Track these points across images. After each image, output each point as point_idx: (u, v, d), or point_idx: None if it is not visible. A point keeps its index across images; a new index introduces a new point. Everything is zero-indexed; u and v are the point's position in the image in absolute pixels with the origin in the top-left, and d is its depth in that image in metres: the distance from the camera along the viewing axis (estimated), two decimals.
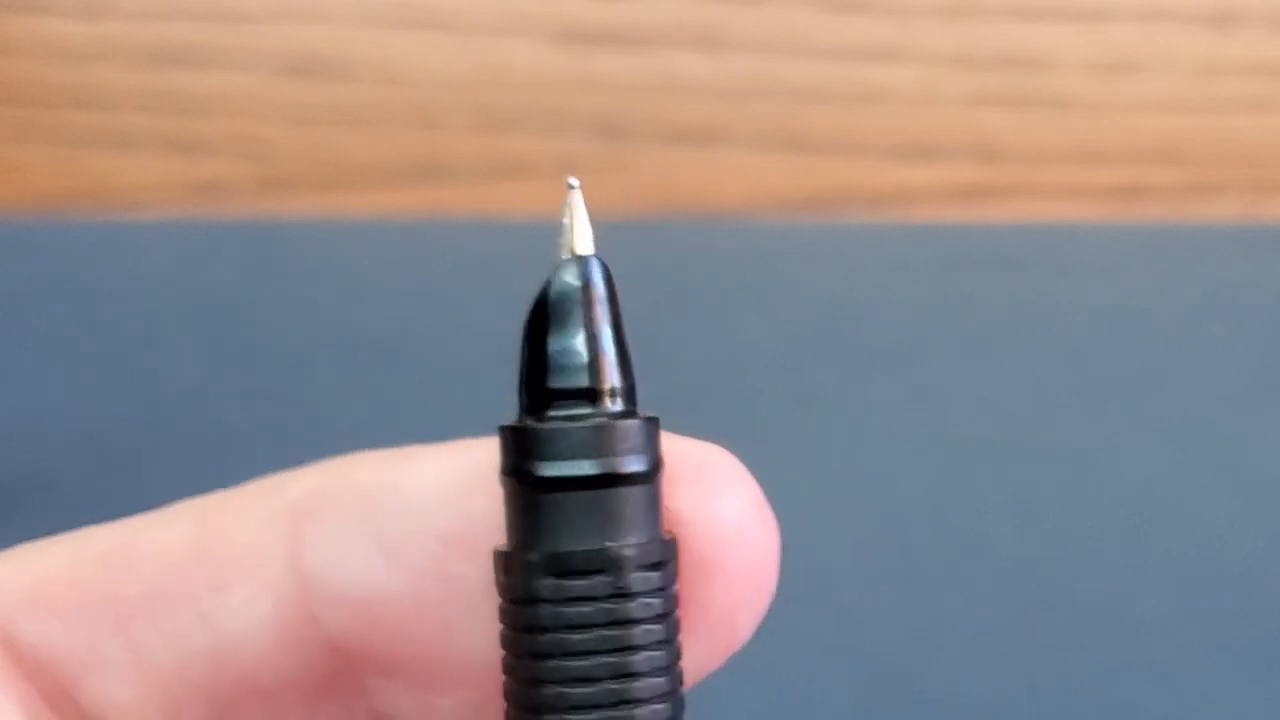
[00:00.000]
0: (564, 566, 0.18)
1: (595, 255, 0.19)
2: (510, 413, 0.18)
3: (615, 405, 0.18)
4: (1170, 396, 0.47)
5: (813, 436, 0.46)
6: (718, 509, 0.19)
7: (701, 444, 0.19)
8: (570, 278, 0.19)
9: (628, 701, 0.18)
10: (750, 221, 0.49)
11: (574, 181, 0.19)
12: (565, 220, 0.20)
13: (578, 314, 0.19)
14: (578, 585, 0.18)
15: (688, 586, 0.19)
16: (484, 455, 0.19)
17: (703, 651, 0.19)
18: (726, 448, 0.19)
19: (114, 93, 0.48)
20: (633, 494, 0.18)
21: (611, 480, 0.18)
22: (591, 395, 0.18)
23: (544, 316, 0.19)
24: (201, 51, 0.48)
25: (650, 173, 0.48)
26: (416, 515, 0.19)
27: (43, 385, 0.46)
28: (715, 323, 0.47)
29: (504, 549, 0.18)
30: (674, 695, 0.18)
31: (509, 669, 0.18)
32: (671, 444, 0.19)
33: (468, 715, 0.20)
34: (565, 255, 0.19)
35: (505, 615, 0.18)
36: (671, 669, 0.18)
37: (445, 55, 0.48)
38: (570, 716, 0.18)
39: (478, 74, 0.48)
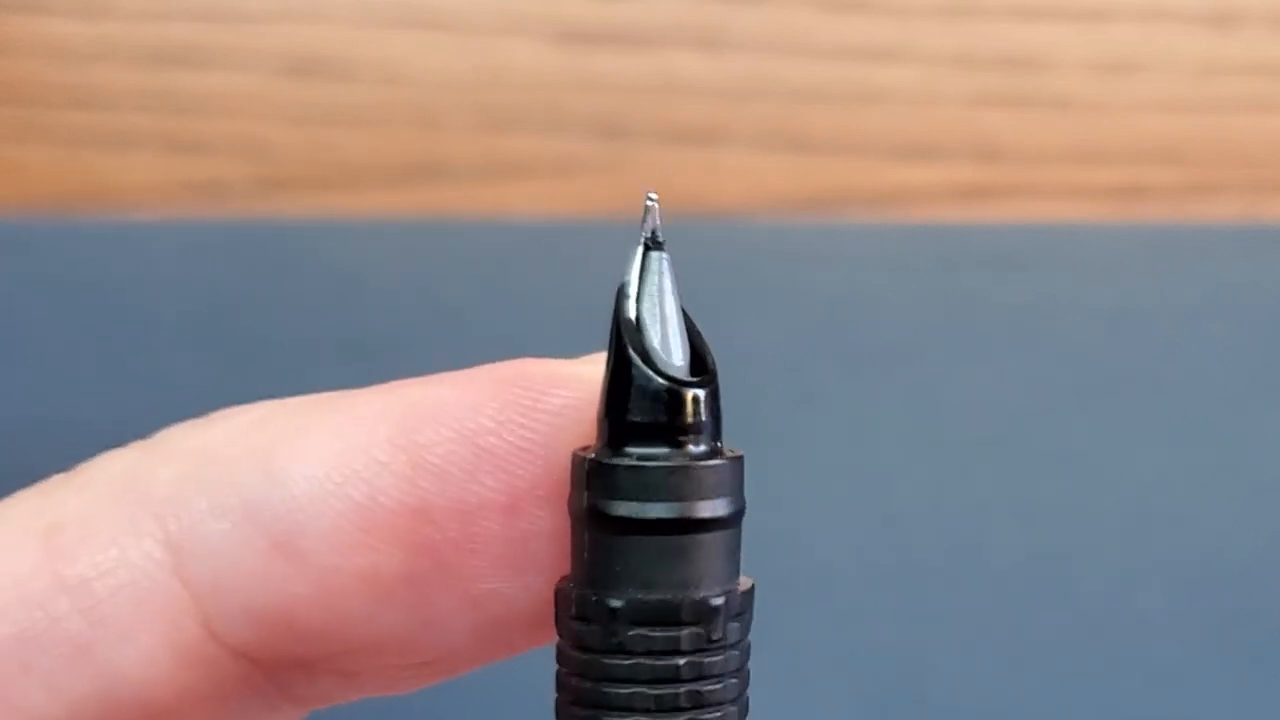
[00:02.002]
0: (639, 615, 0.16)
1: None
2: None
3: (700, 445, 0.17)
4: (1170, 396, 0.47)
5: (813, 436, 0.46)
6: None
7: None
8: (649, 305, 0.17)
9: None
10: (750, 221, 0.49)
11: (653, 195, 0.18)
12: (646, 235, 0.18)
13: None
14: (655, 636, 0.16)
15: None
16: (374, 413, 0.17)
17: None
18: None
19: (114, 93, 0.48)
20: (713, 540, 0.17)
21: (687, 526, 0.16)
22: (676, 431, 0.17)
23: (621, 349, 0.17)
24: (201, 51, 0.48)
25: (650, 173, 0.48)
26: (310, 506, 0.17)
27: (43, 385, 0.46)
28: (715, 323, 0.47)
29: (573, 589, 0.17)
30: None
31: (565, 705, 0.17)
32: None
33: (393, 683, 0.18)
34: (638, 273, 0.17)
35: (568, 659, 0.17)
36: None
37: (445, 55, 0.48)
38: None
39: (478, 74, 0.48)
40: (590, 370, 0.17)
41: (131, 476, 0.17)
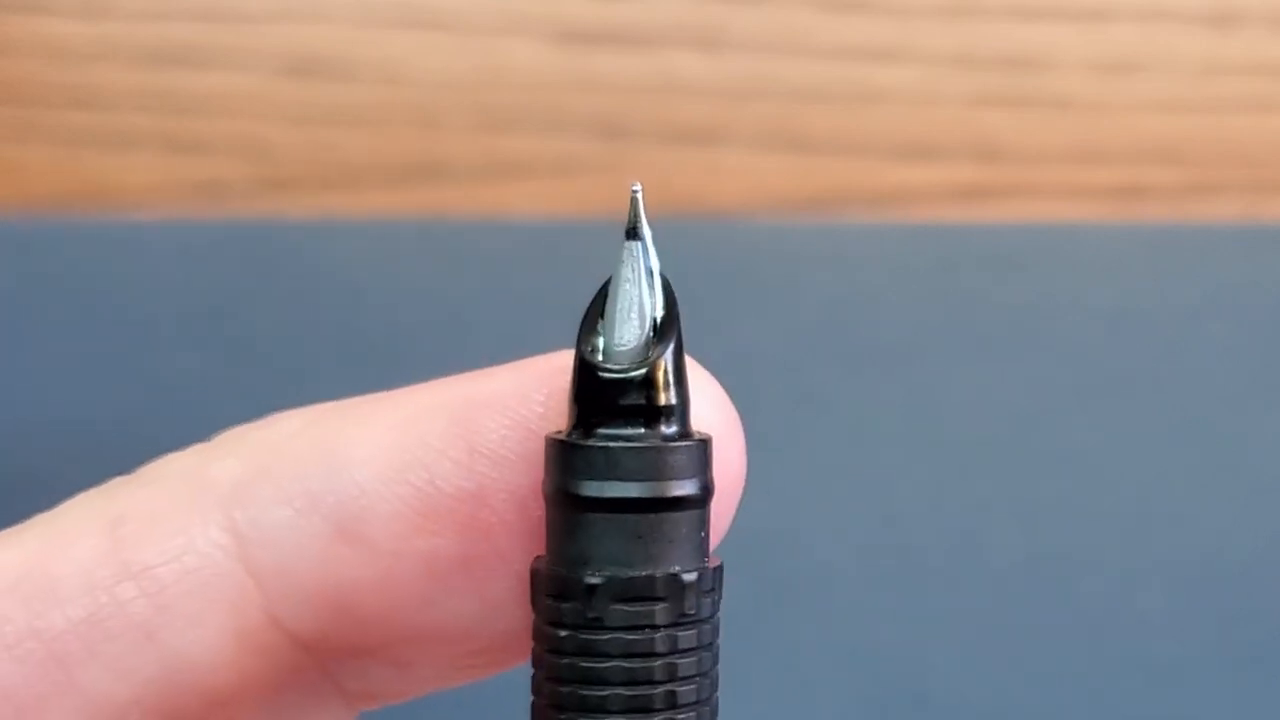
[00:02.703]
0: (620, 592, 0.17)
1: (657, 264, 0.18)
2: None
3: (669, 426, 0.17)
4: (1170, 396, 0.47)
5: (813, 436, 0.46)
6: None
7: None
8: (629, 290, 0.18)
9: None
10: (750, 221, 0.49)
11: (637, 186, 0.18)
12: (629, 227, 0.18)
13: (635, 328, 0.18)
14: (626, 611, 0.17)
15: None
16: (429, 404, 0.18)
17: None
18: None
19: (114, 93, 0.48)
20: (681, 519, 0.17)
21: (659, 505, 0.17)
22: (645, 414, 0.17)
23: (591, 329, 0.18)
24: (201, 51, 0.48)
25: (650, 173, 0.48)
26: (372, 491, 0.17)
27: (43, 385, 0.46)
28: (715, 322, 0.47)
29: (545, 568, 0.17)
30: None
31: (541, 682, 0.17)
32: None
33: (446, 675, 0.19)
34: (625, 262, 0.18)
35: (537, 634, 0.17)
36: (710, 701, 0.17)
37: (445, 55, 0.48)
38: None
39: (478, 74, 0.48)
40: None
41: (195, 471, 0.18)
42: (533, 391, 0.18)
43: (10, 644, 0.17)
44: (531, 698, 0.17)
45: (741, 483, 0.19)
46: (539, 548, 0.18)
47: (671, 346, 0.18)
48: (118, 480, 0.18)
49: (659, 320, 0.18)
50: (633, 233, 0.18)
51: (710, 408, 0.18)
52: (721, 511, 0.18)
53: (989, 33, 0.49)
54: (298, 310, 0.47)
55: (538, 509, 0.18)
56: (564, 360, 0.18)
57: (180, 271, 0.47)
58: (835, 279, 0.48)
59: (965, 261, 0.48)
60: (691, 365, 0.18)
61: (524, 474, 0.18)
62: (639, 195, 0.18)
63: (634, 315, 0.18)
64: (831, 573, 0.46)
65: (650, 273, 0.18)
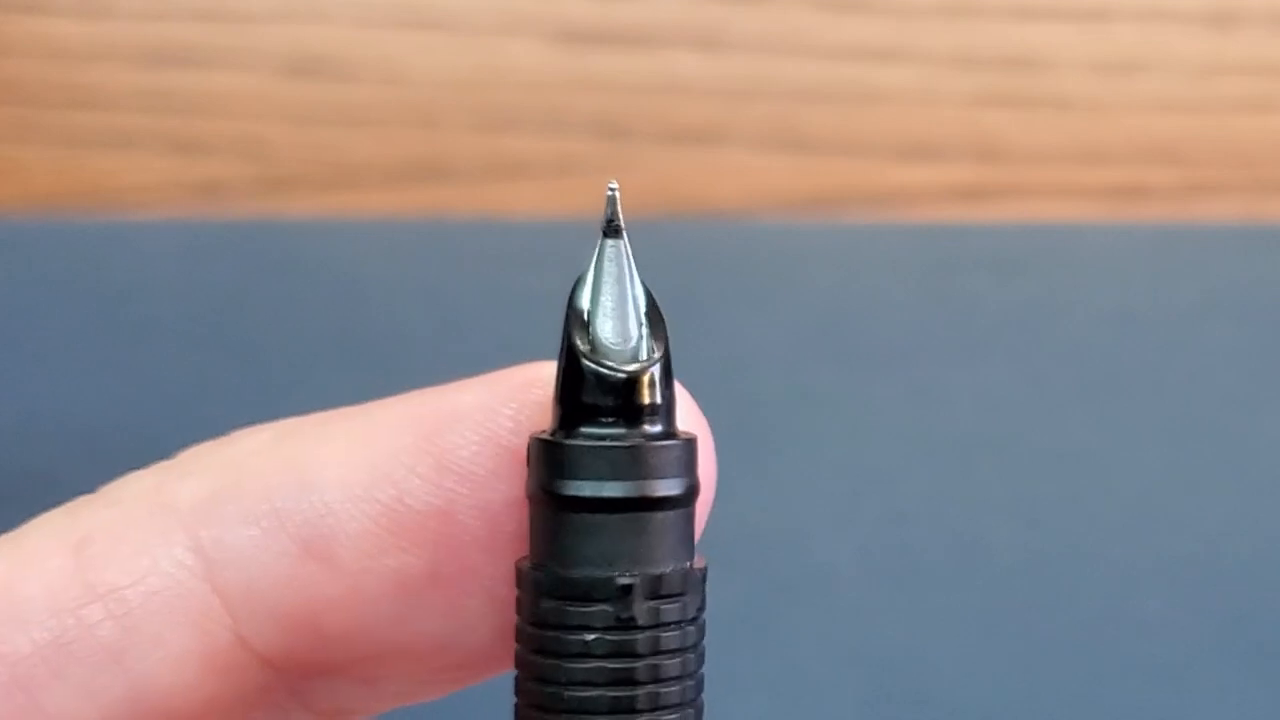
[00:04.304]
0: (599, 591, 0.16)
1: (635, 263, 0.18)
2: None
3: (659, 425, 0.17)
4: (1170, 396, 0.47)
5: (813, 436, 0.46)
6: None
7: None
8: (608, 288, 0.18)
9: None
10: (750, 221, 0.49)
11: (614, 185, 0.18)
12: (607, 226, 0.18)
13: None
14: (608, 610, 0.16)
15: None
16: (397, 419, 0.17)
17: None
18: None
19: (114, 93, 0.48)
20: (665, 519, 0.17)
21: (643, 504, 0.17)
22: (639, 412, 0.17)
23: (568, 335, 0.17)
24: (201, 51, 0.48)
25: (650, 173, 0.48)
26: (339, 509, 0.17)
27: (43, 385, 0.46)
28: (715, 323, 0.47)
29: (529, 566, 0.17)
30: None
31: (524, 685, 0.17)
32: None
33: (416, 690, 0.19)
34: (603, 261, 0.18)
35: (523, 635, 0.17)
36: (695, 703, 0.17)
37: (445, 55, 0.48)
38: None
39: (478, 74, 0.48)
40: None
41: (158, 490, 0.18)
42: (502, 406, 0.18)
43: None
44: (514, 699, 0.17)
45: (714, 486, 0.19)
46: (509, 563, 0.18)
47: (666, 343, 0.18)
48: (81, 499, 0.18)
49: (649, 317, 0.18)
50: (614, 230, 0.18)
51: (682, 411, 0.18)
52: (699, 514, 0.18)
53: (989, 33, 0.49)
54: (298, 310, 0.47)
55: (508, 524, 0.18)
56: (534, 373, 0.18)
57: (180, 271, 0.47)
58: (835, 279, 0.48)
59: (965, 261, 0.48)
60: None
61: (493, 489, 0.18)
62: (616, 193, 0.18)
63: (629, 313, 0.17)
64: (832, 573, 0.46)
65: (635, 270, 0.18)
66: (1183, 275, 0.48)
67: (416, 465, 0.17)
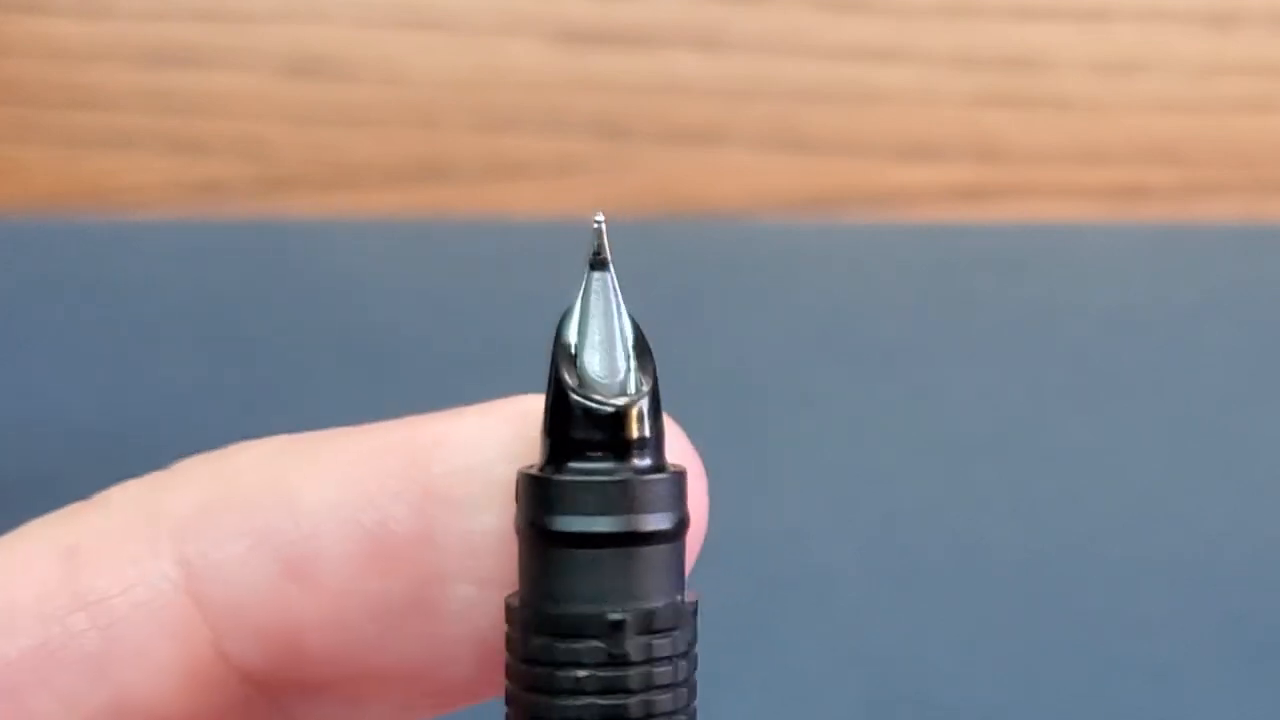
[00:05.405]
0: (601, 629, 0.16)
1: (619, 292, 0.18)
2: None
3: (648, 459, 0.17)
4: (1170, 396, 0.47)
5: (813, 436, 0.46)
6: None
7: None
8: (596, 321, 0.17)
9: None
10: (750, 221, 0.49)
11: (600, 217, 0.18)
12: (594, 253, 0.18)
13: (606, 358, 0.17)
14: (602, 647, 0.16)
15: None
16: (387, 444, 0.17)
17: None
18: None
19: (114, 93, 0.48)
20: (655, 553, 0.17)
21: (632, 539, 0.17)
22: (629, 446, 0.17)
23: (556, 369, 0.17)
24: (201, 51, 0.48)
25: (650, 173, 0.48)
26: (324, 531, 0.17)
27: (43, 385, 0.46)
28: (715, 323, 0.47)
29: (519, 603, 0.17)
30: None
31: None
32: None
33: (401, 713, 0.19)
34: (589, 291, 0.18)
35: (513, 673, 0.17)
36: None
37: (445, 55, 0.48)
38: None
39: (478, 74, 0.48)
40: None
41: (149, 501, 0.18)
42: (492, 437, 0.18)
43: None
44: None
45: (705, 519, 0.18)
46: (493, 594, 0.17)
47: (647, 381, 0.17)
48: (73, 506, 0.18)
49: (636, 350, 0.17)
50: (601, 264, 0.18)
51: (673, 441, 0.18)
52: (690, 548, 0.18)
53: (989, 33, 0.49)
54: (298, 310, 0.47)
55: (493, 555, 0.17)
56: (525, 405, 0.18)
57: (180, 271, 0.47)
58: (835, 279, 0.48)
59: (965, 261, 0.48)
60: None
61: (478, 520, 0.17)
62: (603, 226, 0.18)
63: (616, 346, 0.17)
64: (831, 573, 0.46)
65: (622, 302, 0.18)
66: (1183, 275, 0.48)
67: (402, 492, 0.17)
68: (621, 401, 0.17)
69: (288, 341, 0.46)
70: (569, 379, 0.17)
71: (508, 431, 0.18)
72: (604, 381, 0.17)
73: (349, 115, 0.48)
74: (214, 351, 0.46)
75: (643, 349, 0.18)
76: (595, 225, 0.18)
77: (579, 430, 0.17)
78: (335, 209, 0.48)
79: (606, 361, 0.17)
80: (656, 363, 0.18)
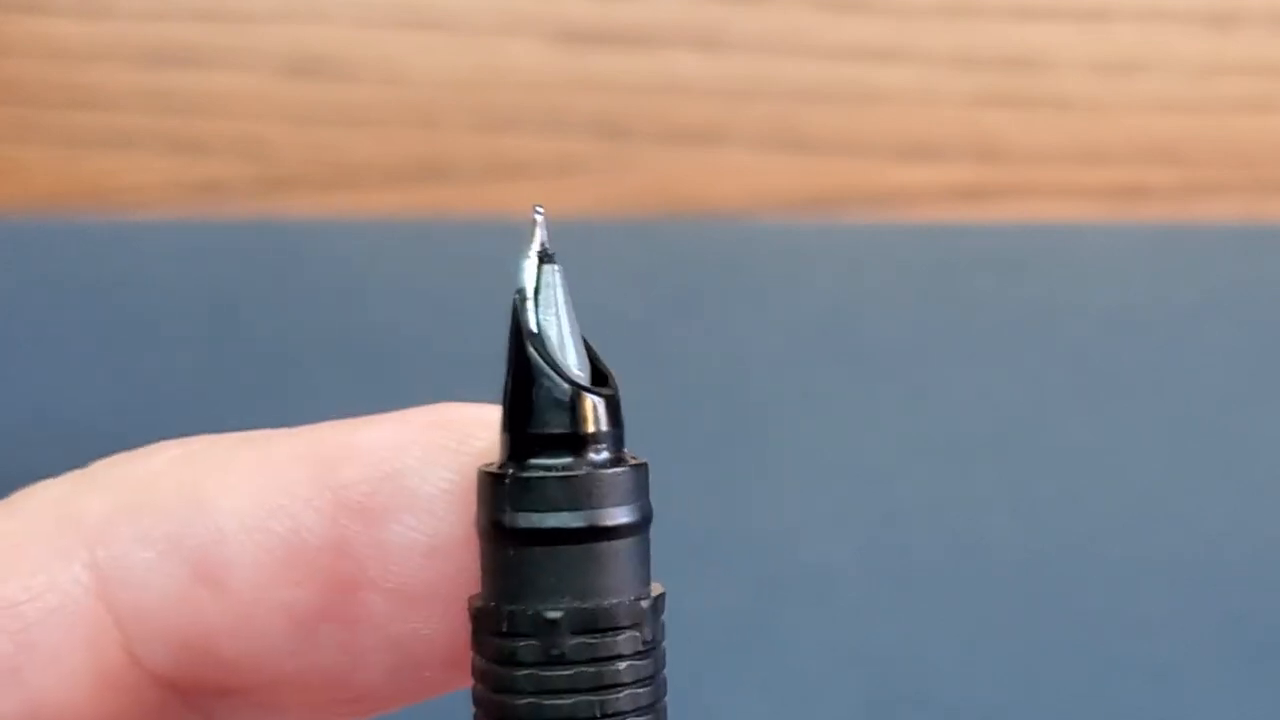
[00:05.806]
0: (577, 623, 0.16)
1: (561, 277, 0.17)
2: None
3: (601, 453, 0.17)
4: (1170, 396, 0.47)
5: (813, 436, 0.46)
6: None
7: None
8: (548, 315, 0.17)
9: None
10: (750, 221, 0.49)
11: (540, 209, 0.18)
12: (532, 247, 0.18)
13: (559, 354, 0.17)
14: (594, 643, 0.16)
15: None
16: (301, 451, 0.17)
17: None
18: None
19: (114, 93, 0.48)
20: (619, 547, 0.16)
21: (596, 534, 0.16)
22: (577, 441, 0.17)
23: (525, 358, 0.17)
24: (201, 51, 0.48)
25: (650, 173, 0.48)
26: (234, 538, 0.17)
27: (43, 385, 0.46)
28: (715, 323, 0.47)
29: (484, 604, 0.17)
30: None
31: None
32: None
33: (314, 714, 0.19)
34: (532, 289, 0.17)
35: (480, 673, 0.17)
36: None
37: (445, 55, 0.48)
38: None
39: (478, 74, 0.48)
40: None
41: (62, 504, 0.18)
42: (408, 446, 0.17)
43: None
44: None
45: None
46: (406, 603, 0.17)
47: (609, 374, 0.17)
48: None
49: (588, 347, 0.17)
50: (549, 257, 0.17)
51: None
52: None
53: (989, 33, 0.49)
54: (297, 310, 0.47)
55: (405, 563, 0.17)
56: (442, 414, 0.18)
57: (180, 271, 0.47)
58: (835, 279, 0.48)
59: (965, 261, 0.48)
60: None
61: (391, 528, 0.17)
62: (541, 217, 0.17)
63: (576, 338, 0.17)
64: (831, 572, 0.46)
65: (569, 296, 0.17)
66: (1183, 275, 0.48)
67: (314, 499, 0.17)
68: (598, 389, 0.17)
69: (288, 341, 0.46)
70: (541, 361, 0.17)
71: (422, 440, 0.17)
72: (571, 370, 0.17)
73: (349, 115, 0.48)
74: (213, 351, 0.46)
75: (589, 347, 0.17)
76: (536, 217, 0.17)
77: (545, 417, 0.16)
78: (335, 209, 0.48)
79: (572, 352, 0.17)
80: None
